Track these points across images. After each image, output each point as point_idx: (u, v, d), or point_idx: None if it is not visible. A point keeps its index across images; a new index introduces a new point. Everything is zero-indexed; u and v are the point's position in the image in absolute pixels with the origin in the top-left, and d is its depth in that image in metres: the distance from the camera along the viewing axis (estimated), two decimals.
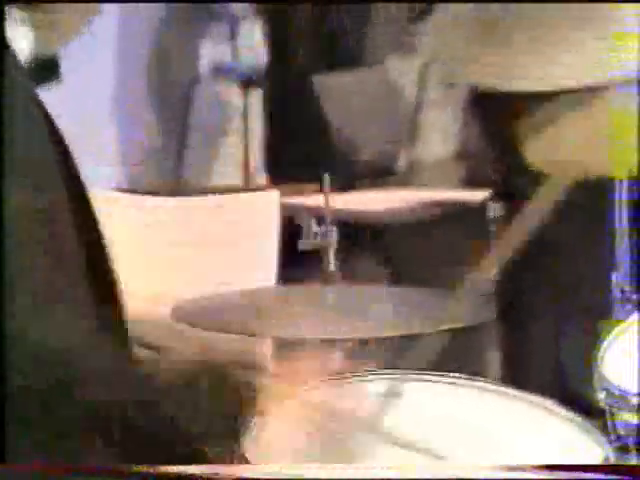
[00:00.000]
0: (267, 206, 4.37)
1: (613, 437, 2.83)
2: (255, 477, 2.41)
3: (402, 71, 6.41)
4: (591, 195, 4.01)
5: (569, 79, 2.90)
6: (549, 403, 2.91)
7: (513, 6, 3.03)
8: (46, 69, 2.53)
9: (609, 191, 4.24)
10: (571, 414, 2.89)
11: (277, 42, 6.70)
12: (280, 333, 3.39)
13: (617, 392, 2.88)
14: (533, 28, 3.02)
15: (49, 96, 2.49)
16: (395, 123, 6.35)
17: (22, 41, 2.44)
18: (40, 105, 2.44)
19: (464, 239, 5.07)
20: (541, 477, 2.32)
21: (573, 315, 4.29)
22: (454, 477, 2.33)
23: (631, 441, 2.83)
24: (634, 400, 2.87)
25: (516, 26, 3.04)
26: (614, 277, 3.74)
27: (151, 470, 2.35)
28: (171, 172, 6.89)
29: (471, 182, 5.47)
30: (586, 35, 2.99)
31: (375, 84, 6.43)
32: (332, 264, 3.56)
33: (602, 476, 2.30)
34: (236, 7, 6.77)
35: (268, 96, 6.71)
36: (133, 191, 4.83)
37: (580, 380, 3.12)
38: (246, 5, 6.72)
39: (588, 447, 2.77)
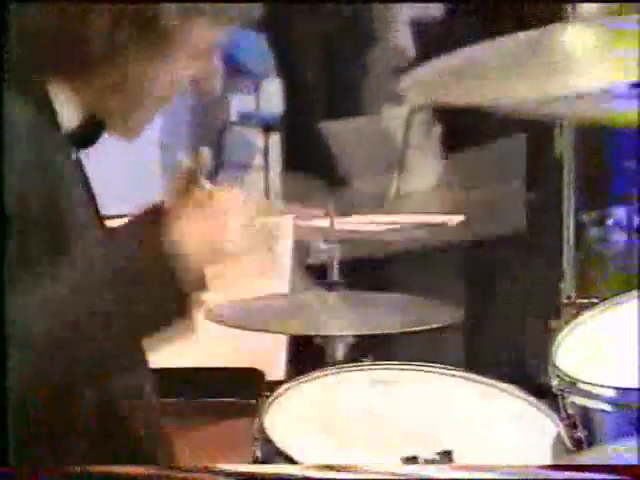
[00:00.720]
0: (281, 227, 4.38)
1: (564, 415, 2.83)
2: None
3: (393, 119, 6.41)
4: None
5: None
6: (514, 388, 2.94)
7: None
8: (91, 136, 2.51)
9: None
10: (531, 398, 2.92)
11: (291, 95, 6.69)
12: (293, 331, 3.39)
13: (567, 379, 2.88)
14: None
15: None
16: (387, 161, 6.36)
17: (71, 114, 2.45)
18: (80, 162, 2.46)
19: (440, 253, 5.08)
20: (539, 477, 2.11)
21: (531, 317, 4.29)
22: (455, 477, 2.03)
23: (580, 419, 2.84)
24: (581, 386, 2.88)
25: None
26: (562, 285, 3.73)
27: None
28: None
29: (447, 209, 5.45)
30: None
31: (371, 130, 6.43)
32: (335, 274, 3.56)
33: (604, 476, 2.05)
34: (258, 67, 6.75)
35: (284, 139, 6.70)
36: None
37: (538, 370, 3.12)
38: (267, 65, 6.70)
39: (545, 424, 2.83)
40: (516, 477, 2.06)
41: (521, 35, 3.15)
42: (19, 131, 2.34)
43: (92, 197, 2.62)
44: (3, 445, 2.28)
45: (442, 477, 2.02)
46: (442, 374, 3.02)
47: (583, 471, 2.14)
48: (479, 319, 4.15)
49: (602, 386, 2.84)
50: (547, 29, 3.06)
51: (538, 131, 5.38)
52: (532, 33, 3.06)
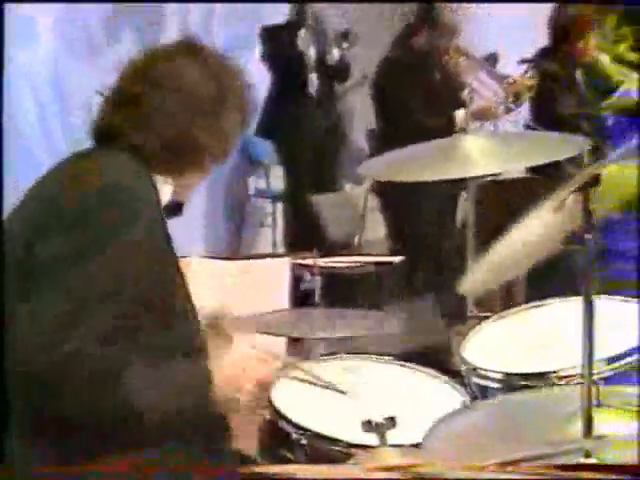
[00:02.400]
0: (283, 265, 4.35)
1: (469, 392, 2.79)
2: None
3: (356, 193, 6.41)
4: None
5: None
6: (436, 372, 2.91)
7: None
8: (176, 209, 2.45)
9: None
10: (446, 378, 2.89)
11: (290, 178, 6.68)
12: (292, 334, 3.35)
13: (469, 366, 2.86)
14: None
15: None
16: (354, 221, 6.35)
17: (164, 193, 2.36)
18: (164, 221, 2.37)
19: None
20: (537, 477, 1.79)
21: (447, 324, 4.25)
22: (453, 477, 1.75)
23: (478, 394, 2.80)
24: (478, 371, 2.85)
25: None
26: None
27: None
28: (235, 247, 6.86)
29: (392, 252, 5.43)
30: None
31: (342, 201, 6.43)
32: (317, 298, 3.53)
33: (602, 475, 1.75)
34: (268, 160, 6.73)
35: (286, 207, 6.69)
36: (214, 257, 4.83)
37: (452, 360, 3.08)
38: (273, 159, 6.68)
39: (456, 395, 2.77)
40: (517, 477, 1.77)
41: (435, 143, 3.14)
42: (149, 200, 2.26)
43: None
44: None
45: (442, 477, 1.74)
46: (389, 362, 2.99)
47: (582, 471, 1.78)
48: (411, 327, 4.09)
49: (492, 371, 2.82)
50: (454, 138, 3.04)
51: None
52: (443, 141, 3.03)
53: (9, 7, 2.40)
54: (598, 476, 1.73)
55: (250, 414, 2.41)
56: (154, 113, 2.30)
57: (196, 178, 2.45)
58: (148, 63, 2.37)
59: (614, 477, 1.73)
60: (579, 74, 5.70)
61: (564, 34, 5.81)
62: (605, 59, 5.69)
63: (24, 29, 5.30)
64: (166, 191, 2.37)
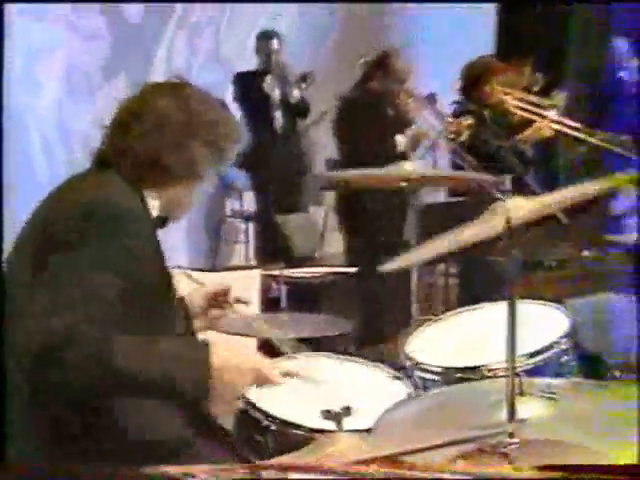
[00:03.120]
0: (254, 276, 4.33)
1: (413, 384, 2.79)
2: None
3: (317, 214, 6.41)
4: None
5: None
6: (385, 366, 2.91)
7: None
8: (161, 223, 2.45)
9: None
10: (394, 372, 2.89)
11: (260, 201, 6.66)
12: (262, 335, 3.34)
13: (415, 362, 2.87)
14: None
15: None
16: (315, 237, 6.35)
17: (153, 208, 2.37)
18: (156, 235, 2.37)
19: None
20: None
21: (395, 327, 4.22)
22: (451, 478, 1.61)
23: (421, 385, 2.82)
24: (423, 367, 2.86)
25: None
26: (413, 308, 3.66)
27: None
28: (213, 260, 6.84)
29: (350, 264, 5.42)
30: None
31: (305, 220, 6.42)
32: (284, 303, 3.53)
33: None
34: (242, 185, 6.73)
35: (257, 226, 6.67)
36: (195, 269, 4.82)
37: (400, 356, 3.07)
38: (246, 184, 6.67)
39: (402, 387, 2.77)
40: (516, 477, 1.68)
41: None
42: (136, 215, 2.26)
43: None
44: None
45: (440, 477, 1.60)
46: (345, 359, 2.99)
47: (579, 470, 1.64)
48: (363, 329, 4.08)
49: (432, 366, 2.83)
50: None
51: None
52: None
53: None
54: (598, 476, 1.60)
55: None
56: (142, 141, 2.33)
57: (181, 194, 2.44)
58: (138, 100, 2.40)
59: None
60: (487, 113, 5.80)
61: (475, 79, 5.93)
62: (510, 100, 5.80)
63: (29, 76, 5.28)
64: (155, 205, 2.37)
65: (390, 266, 2.34)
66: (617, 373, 3.70)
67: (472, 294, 4.42)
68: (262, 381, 2.23)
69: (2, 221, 2.31)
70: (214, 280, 3.47)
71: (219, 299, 2.71)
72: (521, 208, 2.11)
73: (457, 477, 1.54)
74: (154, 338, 2.15)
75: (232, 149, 2.47)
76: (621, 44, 7.84)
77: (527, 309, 2.79)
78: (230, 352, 2.17)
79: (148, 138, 2.33)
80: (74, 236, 2.14)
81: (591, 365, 3.43)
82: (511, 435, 1.95)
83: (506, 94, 5.97)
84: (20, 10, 5.06)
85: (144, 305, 2.22)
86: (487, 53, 7.65)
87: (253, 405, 2.63)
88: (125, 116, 2.38)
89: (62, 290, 2.05)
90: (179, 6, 6.61)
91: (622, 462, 1.94)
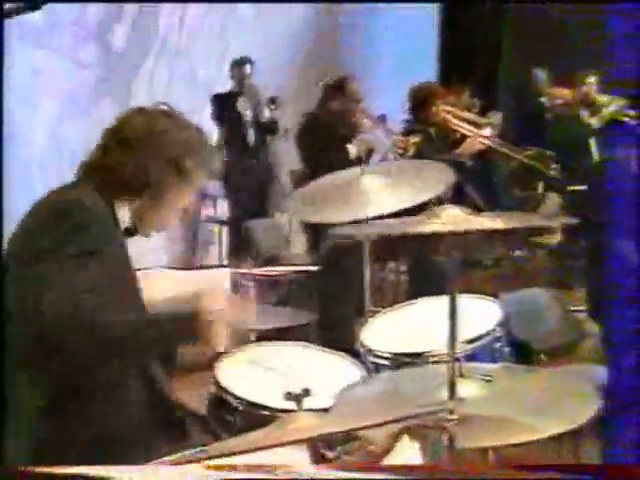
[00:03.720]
0: (225, 273, 4.29)
1: (366, 368, 2.79)
2: None
3: (283, 219, 6.40)
4: None
5: None
6: (343, 354, 2.90)
7: None
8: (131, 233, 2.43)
9: None
10: (350, 358, 2.89)
11: (233, 206, 6.64)
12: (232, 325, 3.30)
13: (368, 349, 2.87)
14: None
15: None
16: (280, 240, 6.33)
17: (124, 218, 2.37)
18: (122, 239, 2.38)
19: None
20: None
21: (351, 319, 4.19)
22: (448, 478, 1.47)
23: (373, 369, 2.81)
24: (375, 353, 2.85)
25: None
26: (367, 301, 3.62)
27: None
28: (190, 260, 6.80)
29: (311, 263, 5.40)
30: None
31: (272, 224, 6.41)
32: (252, 296, 3.51)
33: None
34: (215, 191, 6.70)
35: (229, 230, 6.64)
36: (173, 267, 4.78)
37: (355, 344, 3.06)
38: (221, 193, 6.64)
39: (356, 372, 2.76)
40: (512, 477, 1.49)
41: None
42: (108, 224, 2.29)
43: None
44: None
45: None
46: (307, 347, 2.98)
47: (577, 470, 1.46)
48: (323, 320, 4.04)
49: (382, 352, 2.83)
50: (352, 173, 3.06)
51: None
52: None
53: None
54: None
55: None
56: (110, 157, 2.36)
57: (150, 209, 2.42)
58: (115, 122, 2.42)
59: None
60: (432, 131, 5.88)
61: (422, 101, 6.03)
62: (451, 119, 5.89)
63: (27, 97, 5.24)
64: (125, 215, 2.37)
65: (340, 231, 2.33)
66: (543, 357, 3.73)
67: (419, 289, 4.42)
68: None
69: (2, 225, 2.30)
70: (189, 277, 3.45)
71: None
72: (457, 215, 2.12)
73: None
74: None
75: (199, 169, 2.43)
76: (540, 74, 7.96)
77: (466, 302, 2.80)
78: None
79: (114, 154, 2.34)
80: (53, 234, 2.18)
81: (520, 351, 3.45)
82: (451, 412, 1.95)
83: (449, 114, 6.06)
84: (20, 36, 5.01)
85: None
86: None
87: (225, 389, 2.62)
88: (103, 135, 2.40)
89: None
90: (160, 35, 6.58)
91: (547, 434, 1.97)
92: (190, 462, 1.59)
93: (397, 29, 8.76)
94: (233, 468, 1.36)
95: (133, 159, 2.34)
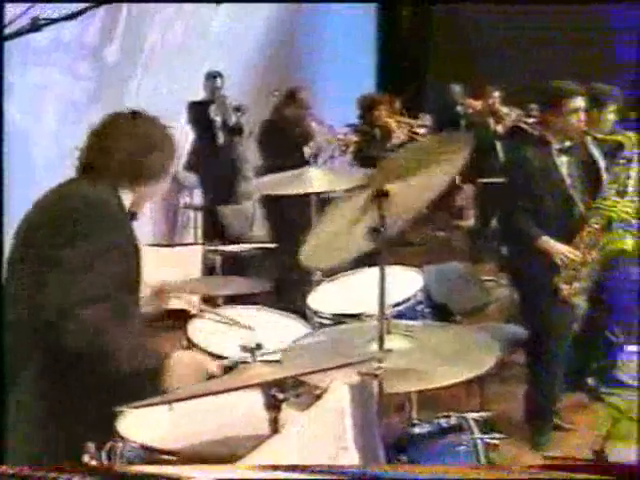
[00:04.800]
0: (198, 250, 4.25)
1: (313, 326, 2.76)
2: None
3: (248, 206, 6.35)
4: None
5: None
6: (295, 316, 2.87)
7: None
8: (133, 216, 2.36)
9: None
10: (299, 318, 2.86)
11: (206, 196, 6.57)
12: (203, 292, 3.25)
13: (314, 310, 2.84)
14: None
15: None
16: (246, 223, 6.28)
17: (126, 201, 2.30)
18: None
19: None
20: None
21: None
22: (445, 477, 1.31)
23: (318, 327, 2.78)
24: (320, 314, 2.83)
25: None
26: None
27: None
28: (170, 239, 6.70)
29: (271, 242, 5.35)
30: None
31: (239, 210, 6.35)
32: (219, 271, 3.47)
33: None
34: (192, 182, 6.61)
35: (203, 215, 6.54)
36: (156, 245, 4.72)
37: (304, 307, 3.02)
38: (195, 184, 6.56)
39: (304, 330, 2.72)
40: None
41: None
42: (116, 210, 2.22)
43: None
44: None
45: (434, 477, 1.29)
46: (263, 309, 2.95)
47: (575, 470, 1.30)
48: (280, 288, 4.00)
49: (325, 313, 2.81)
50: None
51: None
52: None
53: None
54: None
55: None
56: (113, 152, 2.28)
57: (150, 192, 2.37)
58: (107, 126, 2.35)
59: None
60: (377, 132, 5.90)
61: (367, 108, 6.09)
62: (392, 122, 5.92)
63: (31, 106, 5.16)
64: (128, 200, 2.30)
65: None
66: (459, 318, 3.73)
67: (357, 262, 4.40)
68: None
69: (2, 226, 2.22)
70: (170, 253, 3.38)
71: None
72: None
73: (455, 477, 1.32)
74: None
75: (173, 159, 2.39)
76: (456, 88, 8.03)
77: (395, 272, 2.81)
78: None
79: (119, 153, 2.28)
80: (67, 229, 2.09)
81: (441, 312, 3.45)
82: (380, 360, 1.93)
83: (389, 117, 6.11)
84: (26, 54, 4.91)
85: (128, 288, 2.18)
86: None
87: (195, 344, 2.59)
88: (99, 138, 2.32)
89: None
90: (146, 52, 6.51)
91: (459, 379, 1.95)
92: (158, 404, 1.56)
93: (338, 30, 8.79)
94: None
95: (133, 156, 2.29)
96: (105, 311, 1.98)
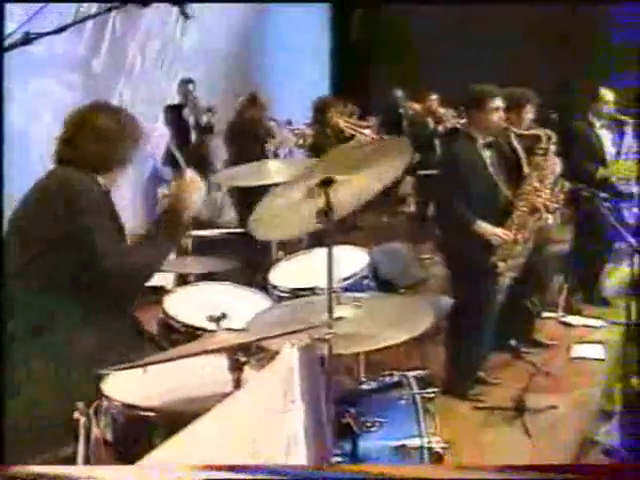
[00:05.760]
0: None
1: (273, 299, 2.75)
2: None
3: (218, 195, 6.29)
4: None
5: None
6: (255, 289, 2.86)
7: None
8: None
9: None
10: (260, 292, 2.85)
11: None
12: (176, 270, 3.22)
13: (273, 285, 2.83)
14: None
15: None
16: (216, 211, 6.22)
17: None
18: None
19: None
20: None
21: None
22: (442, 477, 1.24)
23: (277, 301, 2.77)
24: (279, 288, 2.82)
25: None
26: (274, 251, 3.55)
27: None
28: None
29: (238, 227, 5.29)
30: None
31: (210, 199, 6.27)
32: (189, 249, 3.42)
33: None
34: (168, 175, 6.52)
35: None
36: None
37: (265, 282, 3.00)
38: (171, 177, 6.48)
39: (265, 303, 2.71)
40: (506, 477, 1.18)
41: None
42: (93, 191, 2.20)
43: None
44: None
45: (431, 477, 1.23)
46: (230, 285, 2.92)
47: (572, 470, 1.20)
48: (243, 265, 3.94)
49: (284, 287, 2.80)
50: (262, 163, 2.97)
51: None
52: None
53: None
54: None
55: None
56: (86, 143, 2.27)
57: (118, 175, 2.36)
58: (81, 118, 2.33)
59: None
60: (329, 130, 5.94)
61: (320, 109, 6.09)
62: (341, 122, 5.95)
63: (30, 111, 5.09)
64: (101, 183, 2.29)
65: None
66: (401, 291, 3.76)
67: (314, 243, 4.39)
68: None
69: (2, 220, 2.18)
70: None
71: None
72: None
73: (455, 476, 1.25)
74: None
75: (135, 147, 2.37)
76: (398, 92, 8.07)
77: (344, 251, 2.81)
78: None
79: (95, 143, 2.26)
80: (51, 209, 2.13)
81: (386, 287, 3.46)
82: (329, 326, 1.93)
83: (339, 118, 6.13)
84: (25, 66, 4.83)
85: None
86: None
87: (170, 316, 2.56)
88: (75, 129, 2.31)
89: None
90: (127, 63, 6.43)
91: (398, 341, 1.95)
92: (132, 367, 1.54)
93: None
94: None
95: (109, 144, 2.27)
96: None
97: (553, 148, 3.92)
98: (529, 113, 4.14)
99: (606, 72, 6.36)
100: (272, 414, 1.08)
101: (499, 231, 3.68)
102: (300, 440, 1.03)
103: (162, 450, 1.24)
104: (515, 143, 4.01)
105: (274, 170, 2.89)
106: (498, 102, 3.70)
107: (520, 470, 1.16)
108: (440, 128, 6.98)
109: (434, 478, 1.23)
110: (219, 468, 1.09)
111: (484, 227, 3.66)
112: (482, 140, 3.76)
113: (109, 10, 1.98)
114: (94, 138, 2.26)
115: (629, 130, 4.99)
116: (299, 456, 1.04)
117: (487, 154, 3.77)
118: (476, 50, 8.70)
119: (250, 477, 1.07)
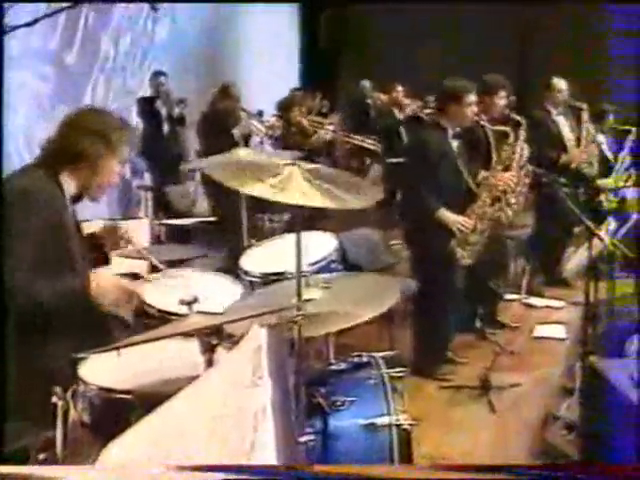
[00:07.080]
0: (145, 223, 4.15)
1: (244, 285, 2.73)
2: None
3: (192, 185, 6.23)
4: None
5: None
6: (228, 277, 2.83)
7: None
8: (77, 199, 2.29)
9: None
10: (232, 278, 2.80)
11: (155, 178, 6.43)
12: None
13: (244, 270, 2.82)
14: None
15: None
16: (189, 201, 6.15)
17: (70, 187, 2.21)
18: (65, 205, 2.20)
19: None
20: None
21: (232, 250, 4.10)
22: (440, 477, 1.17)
23: (248, 285, 2.74)
24: (250, 273, 2.81)
25: None
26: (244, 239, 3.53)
27: None
28: (124, 214, 6.52)
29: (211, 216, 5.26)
30: None
31: (183, 190, 6.20)
32: (164, 239, 3.40)
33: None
34: (142, 166, 6.47)
35: (152, 195, 6.37)
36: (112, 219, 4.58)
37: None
38: (145, 167, 6.44)
39: (238, 288, 2.66)
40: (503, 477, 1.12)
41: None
42: (44, 196, 2.10)
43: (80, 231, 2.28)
44: None
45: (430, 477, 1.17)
46: (203, 271, 2.86)
47: (572, 470, 1.16)
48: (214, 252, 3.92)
49: (254, 272, 2.79)
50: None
51: None
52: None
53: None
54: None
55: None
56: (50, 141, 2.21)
57: (92, 177, 2.24)
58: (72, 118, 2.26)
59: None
60: (293, 128, 6.06)
61: (286, 107, 6.14)
62: (304, 121, 6.04)
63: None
64: (71, 185, 2.20)
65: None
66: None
67: (283, 230, 4.40)
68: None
69: None
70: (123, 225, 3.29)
71: (112, 234, 2.48)
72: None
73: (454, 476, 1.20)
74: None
75: (124, 146, 2.27)
76: (366, 83, 8.11)
77: (313, 236, 2.81)
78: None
79: (64, 140, 2.19)
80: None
81: (354, 270, 3.46)
82: (298, 309, 1.93)
83: (302, 117, 6.25)
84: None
85: (56, 252, 2.10)
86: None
87: (146, 303, 2.52)
88: (61, 128, 2.23)
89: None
90: (101, 56, 6.37)
91: (365, 318, 1.96)
92: (108, 350, 1.53)
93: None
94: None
95: (67, 138, 2.20)
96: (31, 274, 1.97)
97: (523, 134, 4.00)
98: (502, 99, 4.19)
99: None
100: (240, 389, 1.08)
101: (461, 219, 3.72)
102: (268, 415, 1.03)
103: (135, 431, 1.23)
104: (487, 128, 4.08)
105: (245, 158, 2.87)
106: (472, 97, 3.76)
107: (494, 470, 1.14)
108: (402, 116, 7.12)
109: (410, 478, 1.22)
110: (191, 469, 1.06)
111: (447, 215, 3.70)
112: (452, 131, 3.79)
113: (79, 1, 1.94)
114: (64, 134, 2.20)
115: (629, 142, 5.14)
116: (267, 432, 1.04)
117: (455, 144, 3.81)
118: (441, 47, 8.79)
119: (223, 476, 1.04)
